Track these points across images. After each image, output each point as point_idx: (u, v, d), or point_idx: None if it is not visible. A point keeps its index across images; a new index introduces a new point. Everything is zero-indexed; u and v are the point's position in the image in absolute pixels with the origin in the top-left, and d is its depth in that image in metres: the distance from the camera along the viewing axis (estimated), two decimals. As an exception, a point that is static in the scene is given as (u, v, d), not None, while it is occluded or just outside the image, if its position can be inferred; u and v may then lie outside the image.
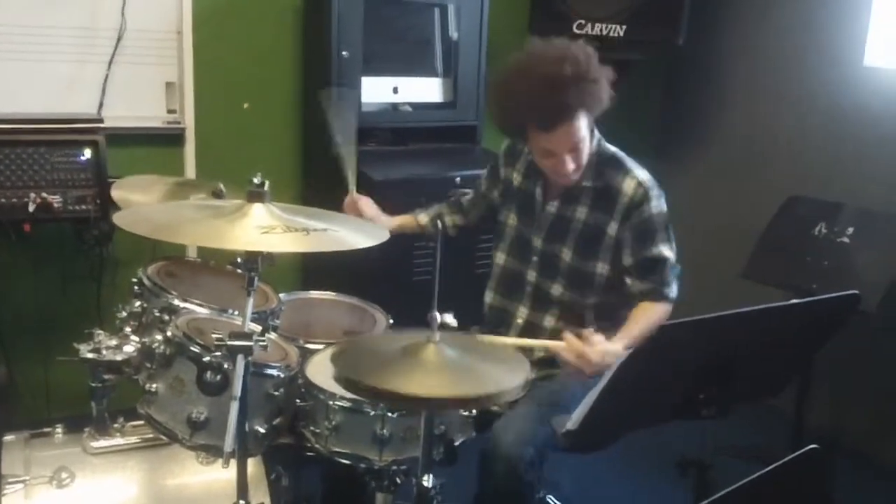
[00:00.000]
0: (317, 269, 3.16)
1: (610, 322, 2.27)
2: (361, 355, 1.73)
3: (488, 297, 2.43)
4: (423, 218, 2.59)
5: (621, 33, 3.28)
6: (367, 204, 2.51)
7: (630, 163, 2.24)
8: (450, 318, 1.69)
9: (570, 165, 2.14)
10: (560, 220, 2.28)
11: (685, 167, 3.98)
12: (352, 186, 2.51)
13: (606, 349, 1.96)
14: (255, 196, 1.69)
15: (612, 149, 2.27)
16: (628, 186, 2.19)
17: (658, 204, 2.19)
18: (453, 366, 1.65)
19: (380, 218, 2.51)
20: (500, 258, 2.41)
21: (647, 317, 2.15)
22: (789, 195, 3.20)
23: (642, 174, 2.21)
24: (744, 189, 3.77)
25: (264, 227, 1.61)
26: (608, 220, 2.21)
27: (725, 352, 1.65)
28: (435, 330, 1.67)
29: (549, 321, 2.30)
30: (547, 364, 2.27)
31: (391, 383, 1.55)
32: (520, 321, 2.34)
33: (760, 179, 3.69)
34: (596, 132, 2.25)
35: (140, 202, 2.33)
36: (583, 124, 2.11)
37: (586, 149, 2.18)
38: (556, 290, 2.28)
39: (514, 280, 2.36)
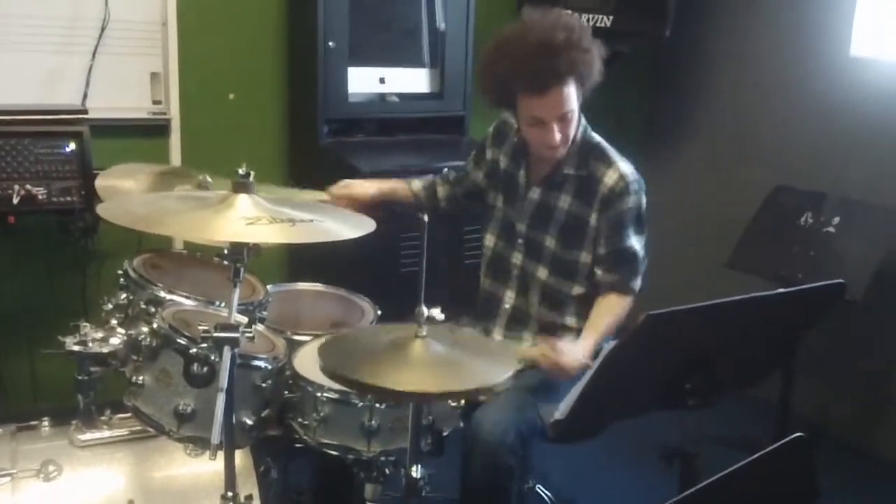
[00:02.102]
0: (304, 261, 3.15)
1: (581, 315, 2.30)
2: (348, 349, 1.73)
3: (482, 281, 2.44)
4: (416, 184, 2.57)
5: (608, 24, 3.27)
6: (341, 188, 2.51)
7: (614, 154, 2.24)
8: (437, 313, 1.69)
9: (557, 136, 2.14)
10: (543, 207, 2.28)
11: (672, 158, 3.99)
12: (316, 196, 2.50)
13: (576, 356, 2.05)
14: (241, 187, 1.68)
15: (597, 138, 2.28)
16: (609, 178, 2.20)
17: (636, 199, 2.21)
18: (440, 360, 1.66)
19: (360, 191, 2.50)
20: (489, 241, 2.42)
21: (611, 311, 2.21)
22: (775, 185, 3.21)
23: (625, 167, 2.22)
24: (730, 179, 3.78)
25: (249, 219, 1.61)
26: (589, 210, 2.23)
27: (711, 341, 1.65)
28: (422, 324, 1.67)
29: (534, 307, 2.31)
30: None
31: (378, 378, 1.56)
32: (507, 306, 2.36)
33: (747, 170, 3.71)
34: (582, 119, 2.26)
35: (126, 188, 2.31)
36: (573, 93, 2.12)
37: (574, 123, 2.18)
38: (542, 273, 2.29)
39: (501, 264, 2.38)
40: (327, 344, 1.74)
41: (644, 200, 2.23)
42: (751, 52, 3.71)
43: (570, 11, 3.18)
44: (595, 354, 2.08)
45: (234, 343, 1.58)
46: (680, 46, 3.73)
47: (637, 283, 2.25)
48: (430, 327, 1.70)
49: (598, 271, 2.24)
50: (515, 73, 2.08)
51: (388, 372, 1.59)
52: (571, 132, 2.19)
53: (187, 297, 2.07)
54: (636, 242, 2.23)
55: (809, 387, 3.31)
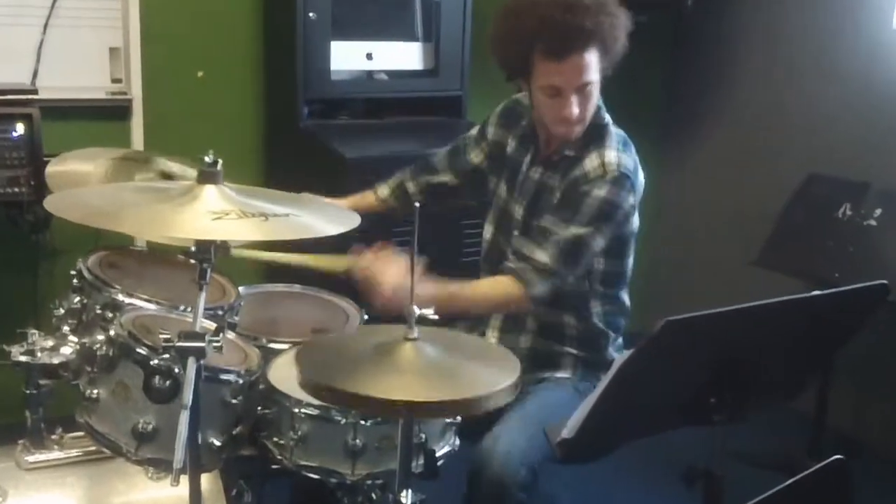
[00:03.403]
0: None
1: (582, 313, 2.29)
2: (328, 355, 1.70)
3: (481, 277, 2.41)
4: (382, 191, 2.55)
5: (624, -8, 3.25)
6: None
7: (612, 140, 2.21)
8: (429, 312, 1.67)
9: (575, 109, 2.12)
10: (542, 188, 2.28)
11: (693, 144, 3.96)
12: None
13: (399, 275, 2.03)
14: (207, 177, 1.66)
15: (607, 119, 2.25)
16: (589, 163, 2.17)
17: (611, 191, 2.13)
18: (433, 366, 1.63)
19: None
20: (487, 232, 2.42)
21: (499, 293, 2.17)
22: (809, 174, 3.20)
23: (613, 155, 2.17)
24: (758, 167, 3.76)
25: (216, 213, 1.58)
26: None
27: (738, 350, 1.63)
28: (412, 325, 1.65)
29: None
30: (537, 363, 2.28)
31: (362, 387, 1.53)
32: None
33: (777, 156, 3.68)
34: (599, 100, 2.23)
35: (80, 177, 2.29)
36: (594, 61, 2.10)
37: (594, 99, 2.16)
38: None
39: (497, 257, 2.36)
40: (304, 350, 1.71)
41: (626, 201, 2.15)
42: (782, 25, 3.69)
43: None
44: (430, 302, 1.87)
45: (199, 354, 1.56)
46: (704, 18, 3.71)
47: (544, 289, 2.15)
48: (422, 328, 1.67)
49: (521, 247, 2.19)
50: (536, 32, 2.07)
51: (374, 379, 1.56)
52: (590, 109, 2.17)
53: (149, 301, 2.04)
54: (585, 234, 2.14)
55: (846, 397, 3.30)
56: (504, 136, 2.39)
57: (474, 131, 2.49)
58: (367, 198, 2.55)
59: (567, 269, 2.16)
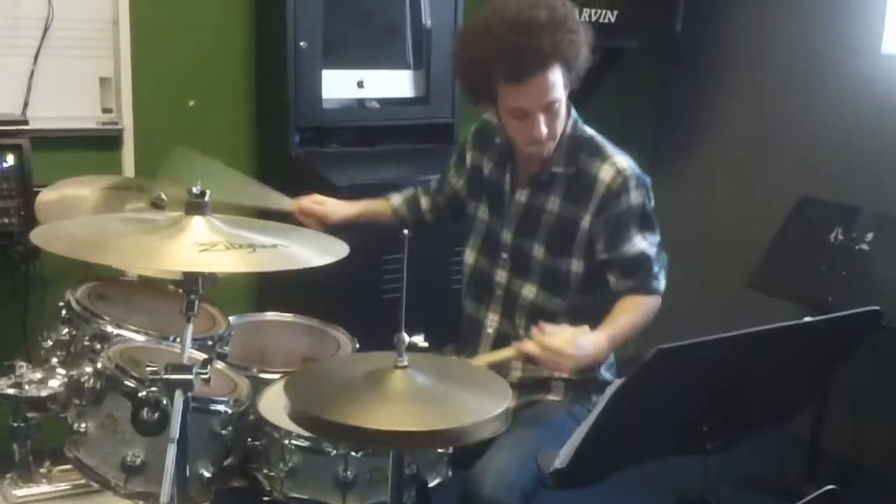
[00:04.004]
0: (272, 287, 3.12)
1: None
2: (317, 385, 1.69)
3: (465, 304, 2.42)
4: (396, 199, 2.56)
5: (612, 19, 3.27)
6: (318, 200, 2.50)
7: (609, 147, 2.22)
8: (419, 340, 1.65)
9: (543, 129, 2.11)
10: (530, 211, 2.26)
11: (684, 166, 3.97)
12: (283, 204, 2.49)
13: (580, 341, 2.00)
14: (195, 208, 1.65)
15: (590, 132, 2.25)
16: (606, 174, 2.17)
17: (638, 195, 2.17)
18: (424, 394, 1.62)
19: (335, 213, 2.49)
20: (470, 257, 2.40)
21: (634, 308, 2.16)
22: (801, 197, 3.19)
23: (623, 161, 2.18)
24: (750, 190, 3.76)
25: (203, 244, 1.58)
26: (582, 212, 2.19)
27: (731, 377, 1.63)
28: (402, 353, 1.64)
29: (520, 330, 2.28)
30: (528, 389, 2.26)
31: (351, 417, 1.52)
32: (490, 331, 2.33)
33: (768, 179, 3.69)
34: (573, 112, 2.24)
35: (70, 207, 2.28)
36: (558, 79, 2.09)
37: (562, 114, 2.16)
38: (529, 291, 2.26)
39: (484, 283, 2.35)
40: (293, 380, 1.70)
41: (650, 198, 2.19)
42: (772, 49, 3.70)
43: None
44: (608, 351, 2.06)
45: (186, 386, 1.55)
46: (692, 42, 3.72)
47: (660, 282, 2.21)
48: (412, 356, 1.66)
49: (611, 278, 2.20)
50: (492, 58, 2.05)
51: (364, 409, 1.55)
52: (559, 125, 2.16)
53: (138, 332, 2.04)
54: (644, 243, 2.18)
55: (843, 419, 3.28)
56: (479, 159, 2.39)
57: (454, 157, 2.49)
58: (380, 205, 2.56)
59: (659, 268, 2.20)
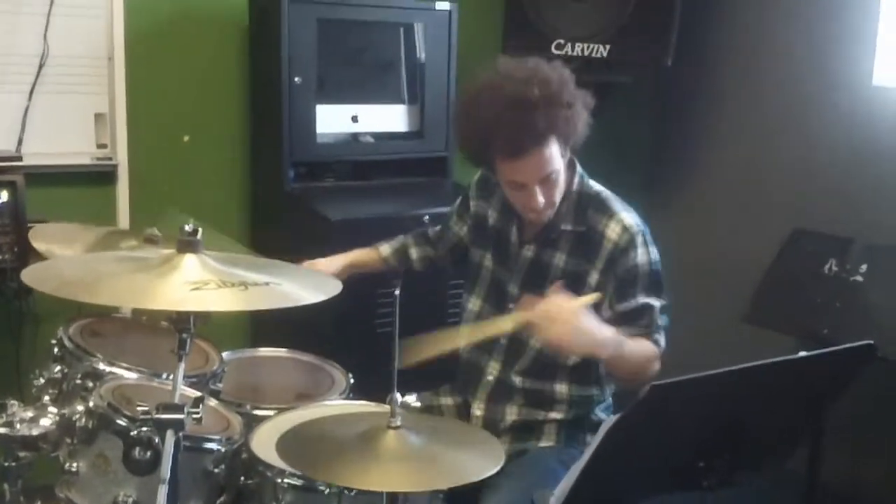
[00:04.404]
0: (266, 324, 3.11)
1: (587, 381, 2.26)
2: (312, 442, 1.71)
3: (462, 349, 2.38)
4: (385, 249, 2.56)
5: (604, 53, 3.28)
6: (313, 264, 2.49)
7: (616, 204, 2.22)
8: (412, 400, 1.67)
9: (541, 200, 2.12)
10: (537, 265, 2.25)
11: (678, 199, 3.97)
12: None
13: (586, 313, 1.97)
14: (187, 246, 1.65)
15: (597, 188, 2.25)
16: (612, 232, 2.17)
17: (644, 252, 2.17)
18: (417, 454, 1.65)
19: (331, 264, 2.48)
20: (474, 304, 2.38)
21: (641, 344, 2.13)
22: (794, 228, 3.19)
23: (629, 218, 2.19)
24: (744, 223, 3.76)
25: (195, 283, 1.57)
26: (589, 268, 2.19)
27: (727, 413, 1.63)
28: (395, 413, 1.66)
29: (520, 378, 2.27)
30: (521, 434, 2.26)
31: (346, 477, 1.56)
32: (490, 378, 2.31)
33: (762, 212, 3.68)
34: (578, 168, 2.24)
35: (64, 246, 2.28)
36: (554, 153, 2.09)
37: (560, 182, 2.16)
38: (535, 341, 2.24)
39: None
40: (286, 437, 1.72)
41: (655, 253, 2.19)
42: (763, 82, 3.72)
43: (556, 53, 3.19)
44: (610, 346, 2.02)
45: (178, 426, 1.54)
46: (685, 76, 3.74)
47: (660, 338, 2.18)
48: (405, 415, 1.69)
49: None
50: (489, 135, 2.07)
51: (357, 469, 1.58)
52: (557, 194, 2.17)
53: (130, 369, 2.04)
54: (649, 298, 2.17)
55: (839, 453, 3.26)
56: (484, 208, 2.38)
57: (457, 203, 2.49)
58: (369, 255, 2.56)
59: (660, 327, 2.18)
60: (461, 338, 2.24)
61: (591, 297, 2.03)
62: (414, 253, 2.54)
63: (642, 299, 2.16)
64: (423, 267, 2.55)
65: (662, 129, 4.10)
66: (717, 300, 3.52)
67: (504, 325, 2.14)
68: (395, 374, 1.67)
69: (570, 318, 1.95)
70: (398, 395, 1.67)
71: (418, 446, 1.65)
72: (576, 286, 2.18)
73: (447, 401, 2.39)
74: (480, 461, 1.64)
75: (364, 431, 1.65)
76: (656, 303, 2.17)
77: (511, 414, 2.27)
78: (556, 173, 2.12)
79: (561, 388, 2.26)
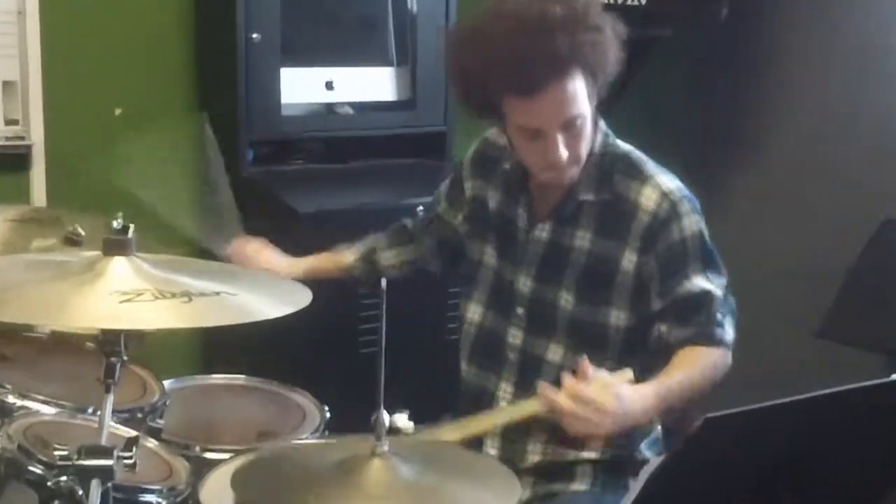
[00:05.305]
0: (220, 344, 3.11)
1: None
2: (275, 477, 1.70)
3: (463, 367, 2.39)
4: (348, 256, 2.53)
5: (643, 1, 3.28)
6: (256, 250, 2.49)
7: (650, 166, 2.20)
8: (403, 421, 1.65)
9: (563, 152, 2.09)
10: (554, 249, 2.23)
11: (731, 184, 3.96)
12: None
13: (620, 390, 1.95)
14: (115, 246, 1.64)
15: (625, 147, 2.24)
16: (648, 199, 2.15)
17: (691, 222, 2.15)
18: (409, 488, 1.63)
19: (279, 264, 2.48)
20: (473, 312, 2.36)
21: (692, 360, 2.12)
22: (883, 220, 3.18)
23: (667, 181, 2.17)
24: (816, 213, 3.76)
25: (126, 293, 1.56)
26: (622, 247, 2.17)
27: (794, 450, 1.62)
28: (382, 437, 1.64)
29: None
30: (548, 477, 2.25)
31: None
32: (504, 403, 2.30)
33: (841, 201, 3.68)
34: (602, 124, 2.23)
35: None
36: (579, 90, 2.07)
37: (587, 133, 2.14)
38: (555, 353, 2.23)
39: (493, 345, 2.32)
40: (243, 470, 1.71)
41: (700, 222, 2.18)
42: (841, 35, 3.71)
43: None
44: (656, 411, 2.03)
45: (105, 475, 1.54)
46: (742, 29, 3.73)
47: (726, 331, 2.16)
48: (394, 440, 1.68)
49: (663, 328, 2.17)
50: (495, 66, 2.04)
51: None
52: (584, 146, 2.14)
53: (47, 403, 2.03)
54: (703, 280, 2.15)
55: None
56: (483, 189, 2.36)
57: (445, 186, 2.47)
58: (330, 262, 2.54)
59: (725, 313, 2.17)
60: (479, 425, 2.20)
61: (624, 375, 2.03)
62: (384, 258, 2.50)
63: (698, 283, 2.14)
64: (399, 274, 2.50)
65: (712, 95, 4.09)
66: (783, 311, 3.52)
67: (532, 407, 2.08)
68: (380, 387, 1.65)
69: (607, 414, 1.93)
70: (385, 415, 1.64)
71: (410, 478, 1.64)
72: (605, 272, 2.19)
73: (453, 437, 2.38)
74: (488, 496, 1.64)
75: (343, 460, 1.64)
76: (715, 287, 2.16)
77: (534, 453, 2.25)
78: (581, 118, 2.09)
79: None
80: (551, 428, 2.24)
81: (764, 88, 3.95)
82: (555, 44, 2.01)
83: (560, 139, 2.08)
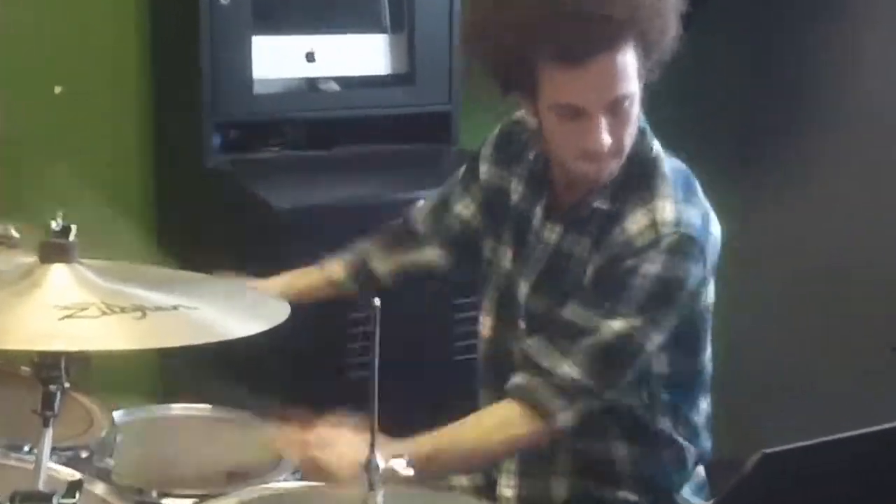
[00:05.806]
0: (182, 367, 3.11)
1: (654, 440, 2.28)
2: None
3: (481, 392, 2.42)
4: (335, 271, 2.54)
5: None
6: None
7: (665, 184, 2.19)
8: (399, 465, 1.65)
9: (606, 138, 2.09)
10: (558, 256, 2.26)
11: (789, 174, 3.96)
12: None
13: (342, 449, 1.99)
14: (55, 251, 1.64)
15: (657, 149, 2.24)
16: (633, 223, 2.14)
17: (667, 264, 2.12)
18: None
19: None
20: (485, 326, 2.41)
21: (489, 421, 2.16)
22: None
23: (670, 210, 2.15)
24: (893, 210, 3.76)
25: (68, 307, 1.56)
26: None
27: (862, 489, 1.61)
28: (375, 486, 1.64)
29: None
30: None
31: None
32: None
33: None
34: (641, 116, 2.23)
35: None
36: (630, 65, 2.07)
37: (633, 117, 2.14)
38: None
39: (504, 364, 2.33)
40: None
41: (692, 274, 2.15)
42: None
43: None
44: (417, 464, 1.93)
45: (43, 525, 1.53)
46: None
47: (567, 415, 2.12)
48: (390, 490, 1.67)
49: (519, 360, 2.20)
50: (534, 28, 2.04)
51: None
52: (628, 135, 2.14)
53: (-26, 439, 2.05)
54: (633, 330, 2.12)
55: None
56: (504, 179, 2.38)
57: (461, 172, 2.48)
58: (311, 276, 2.55)
59: (605, 382, 2.13)
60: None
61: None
62: (381, 265, 2.51)
63: (614, 326, 2.11)
64: (398, 283, 2.51)
65: (765, 68, 4.09)
66: (856, 323, 3.52)
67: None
68: (373, 423, 1.65)
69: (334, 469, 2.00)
70: (379, 458, 1.64)
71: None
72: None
73: (459, 480, 2.40)
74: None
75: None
76: (624, 339, 2.12)
77: (560, 489, 2.28)
78: (630, 100, 2.10)
79: (618, 452, 2.27)
80: (575, 458, 2.26)
81: (830, 59, 3.95)
82: (610, 8, 2.02)
83: (604, 122, 2.08)
